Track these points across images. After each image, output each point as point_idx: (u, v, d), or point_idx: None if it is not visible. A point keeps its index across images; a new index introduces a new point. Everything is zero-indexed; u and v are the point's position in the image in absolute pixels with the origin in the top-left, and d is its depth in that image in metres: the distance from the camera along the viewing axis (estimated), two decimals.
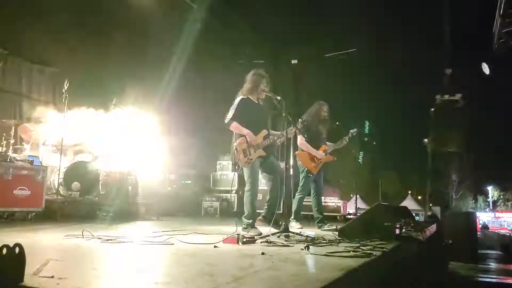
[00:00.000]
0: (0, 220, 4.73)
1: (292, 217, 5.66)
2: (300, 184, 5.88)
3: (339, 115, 5.82)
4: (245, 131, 4.44)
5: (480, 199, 44.65)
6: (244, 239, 3.17)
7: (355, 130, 6.20)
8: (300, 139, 5.84)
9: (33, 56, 8.15)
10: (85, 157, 6.88)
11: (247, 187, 4.57)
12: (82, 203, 6.11)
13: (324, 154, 5.85)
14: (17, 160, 5.29)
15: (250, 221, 4.41)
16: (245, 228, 4.34)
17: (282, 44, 11.12)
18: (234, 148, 4.49)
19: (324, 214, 6.09)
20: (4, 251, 1.39)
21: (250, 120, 4.50)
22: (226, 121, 4.51)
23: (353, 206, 8.55)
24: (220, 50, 10.38)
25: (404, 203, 27.87)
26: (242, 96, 4.65)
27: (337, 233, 4.09)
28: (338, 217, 9.40)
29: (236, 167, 4.54)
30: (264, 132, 4.57)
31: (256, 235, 3.89)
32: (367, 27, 11.00)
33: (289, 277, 1.88)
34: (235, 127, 4.48)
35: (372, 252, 2.79)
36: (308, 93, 11.26)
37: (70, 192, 5.94)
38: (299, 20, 10.28)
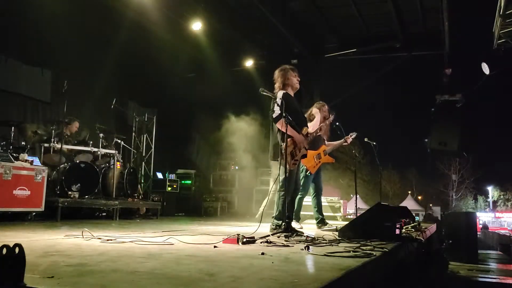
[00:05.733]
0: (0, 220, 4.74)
1: (293, 217, 5.65)
2: (300, 184, 5.87)
3: (338, 115, 5.79)
4: (294, 130, 4.24)
5: (480, 199, 44.67)
6: (244, 239, 3.17)
7: (354, 133, 6.18)
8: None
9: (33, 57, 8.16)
10: (85, 157, 6.88)
11: (280, 187, 4.40)
12: (82, 203, 6.11)
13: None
14: (17, 160, 5.29)
15: (280, 221, 4.34)
16: (274, 229, 4.25)
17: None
18: (282, 151, 4.19)
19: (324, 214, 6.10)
20: (4, 251, 1.39)
21: (292, 117, 4.23)
22: (274, 116, 4.27)
23: (353, 206, 8.53)
24: (220, 52, 10.39)
25: (404, 203, 27.88)
26: (283, 91, 4.41)
27: (337, 233, 4.08)
28: (338, 217, 9.40)
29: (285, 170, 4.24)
30: (305, 129, 4.45)
31: (300, 229, 4.23)
32: (366, 29, 11.03)
33: (289, 277, 1.88)
34: (282, 124, 4.19)
35: (372, 252, 2.78)
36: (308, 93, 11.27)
37: (70, 192, 5.94)
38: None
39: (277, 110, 4.27)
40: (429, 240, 6.14)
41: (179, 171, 10.88)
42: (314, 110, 5.88)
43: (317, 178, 5.96)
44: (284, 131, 4.18)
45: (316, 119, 5.54)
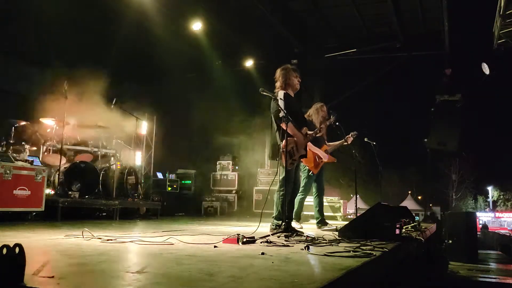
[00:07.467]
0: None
1: (293, 217, 5.65)
2: (302, 184, 5.85)
3: (339, 115, 5.79)
4: (295, 130, 4.28)
5: (480, 199, 44.64)
6: (244, 239, 3.17)
7: (355, 132, 6.19)
8: None
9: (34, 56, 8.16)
10: (85, 157, 6.88)
11: (279, 187, 4.43)
12: (82, 203, 6.11)
13: (327, 154, 5.86)
14: (17, 160, 5.30)
15: (280, 221, 4.34)
16: (274, 229, 4.26)
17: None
18: (281, 149, 4.21)
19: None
20: (4, 251, 1.39)
21: (293, 117, 4.23)
22: (281, 115, 4.23)
23: (353, 206, 8.54)
24: (220, 52, 10.39)
25: (404, 203, 27.87)
26: (284, 91, 4.42)
27: (337, 233, 4.08)
28: (338, 217, 9.41)
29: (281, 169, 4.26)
30: (305, 129, 4.46)
31: (299, 230, 4.18)
32: (366, 29, 11.03)
33: (289, 277, 1.88)
34: (284, 123, 4.21)
35: (372, 252, 2.78)
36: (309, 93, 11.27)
37: (70, 192, 5.94)
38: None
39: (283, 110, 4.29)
40: (429, 240, 6.14)
41: (179, 171, 10.88)
42: (312, 111, 5.93)
43: (319, 178, 5.96)
44: (288, 131, 4.20)
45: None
